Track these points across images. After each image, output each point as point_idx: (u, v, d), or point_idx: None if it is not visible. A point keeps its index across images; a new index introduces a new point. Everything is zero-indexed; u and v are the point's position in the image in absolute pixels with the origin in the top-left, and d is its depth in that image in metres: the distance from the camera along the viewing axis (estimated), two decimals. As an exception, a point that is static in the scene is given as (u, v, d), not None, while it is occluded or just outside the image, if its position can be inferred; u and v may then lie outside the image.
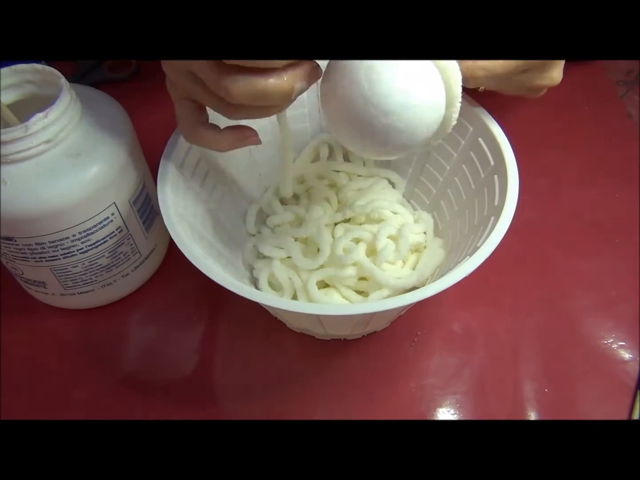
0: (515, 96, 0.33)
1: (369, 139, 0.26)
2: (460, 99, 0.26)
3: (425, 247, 0.37)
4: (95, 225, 0.33)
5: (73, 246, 0.33)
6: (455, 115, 0.27)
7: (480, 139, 0.34)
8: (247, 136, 0.30)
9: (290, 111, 0.39)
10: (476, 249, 0.28)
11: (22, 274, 0.36)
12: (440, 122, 0.27)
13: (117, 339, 0.38)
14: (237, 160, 0.39)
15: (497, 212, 0.30)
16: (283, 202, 0.41)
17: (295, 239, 0.37)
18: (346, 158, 0.41)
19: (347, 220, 0.38)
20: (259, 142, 0.30)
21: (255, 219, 0.40)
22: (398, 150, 0.26)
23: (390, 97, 0.24)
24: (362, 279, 0.35)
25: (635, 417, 0.33)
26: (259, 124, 0.39)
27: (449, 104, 0.26)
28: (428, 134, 0.26)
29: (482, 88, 0.32)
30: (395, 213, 0.37)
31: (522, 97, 0.34)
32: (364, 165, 0.41)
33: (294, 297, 0.35)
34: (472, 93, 0.35)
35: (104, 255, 0.35)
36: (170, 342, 0.38)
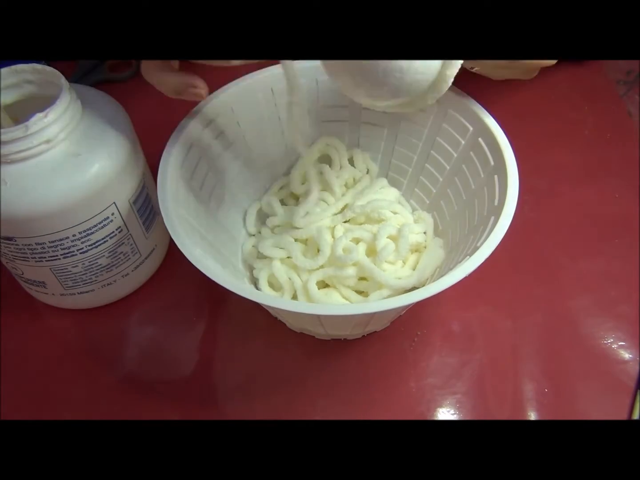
0: (510, 80, 0.34)
1: (368, 85, 0.27)
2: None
3: (425, 247, 0.37)
4: (95, 225, 0.33)
5: (73, 246, 0.33)
6: (452, 71, 0.27)
7: (480, 139, 0.34)
8: (193, 86, 0.30)
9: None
10: (476, 249, 0.28)
11: (22, 274, 0.36)
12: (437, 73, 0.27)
13: (117, 339, 0.38)
14: (237, 160, 0.39)
15: (497, 212, 0.30)
16: (283, 202, 0.41)
17: (295, 240, 0.37)
18: (351, 162, 0.41)
19: (347, 221, 0.38)
20: (202, 96, 0.31)
21: (255, 219, 0.40)
22: (394, 93, 0.27)
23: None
24: (362, 279, 0.35)
25: (635, 417, 0.33)
26: (260, 126, 0.39)
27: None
28: (422, 81, 0.27)
29: (476, 68, 0.32)
30: (395, 213, 0.37)
31: (517, 83, 0.35)
32: (367, 171, 0.41)
33: (294, 297, 0.35)
34: (470, 91, 0.35)
35: (104, 255, 0.35)
36: (170, 342, 0.38)
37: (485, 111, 0.34)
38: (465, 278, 0.27)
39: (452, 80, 0.28)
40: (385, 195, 0.39)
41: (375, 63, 0.26)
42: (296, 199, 0.41)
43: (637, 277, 0.39)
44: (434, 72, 0.28)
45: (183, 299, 0.40)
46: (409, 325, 0.38)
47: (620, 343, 0.37)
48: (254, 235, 0.40)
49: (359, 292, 0.35)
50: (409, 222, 0.38)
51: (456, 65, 0.28)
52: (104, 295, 0.38)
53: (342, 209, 0.39)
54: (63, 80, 0.32)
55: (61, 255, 0.34)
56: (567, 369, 0.36)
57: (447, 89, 0.29)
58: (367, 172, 0.41)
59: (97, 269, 0.36)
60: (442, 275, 0.28)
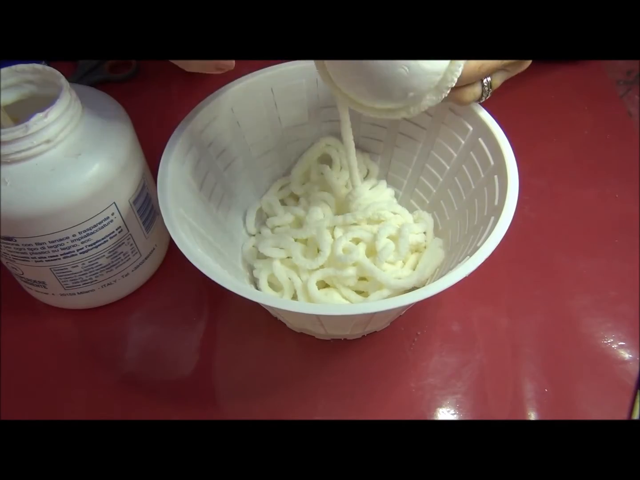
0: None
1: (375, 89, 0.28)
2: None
3: (425, 247, 0.37)
4: (95, 225, 0.33)
5: (73, 246, 0.33)
6: (454, 75, 0.27)
7: (480, 139, 0.34)
8: None
9: (290, 111, 0.39)
10: (476, 248, 0.28)
11: (22, 274, 0.36)
12: (439, 79, 0.28)
13: (117, 339, 0.38)
14: (237, 161, 0.39)
15: (497, 212, 0.30)
16: (283, 202, 0.41)
17: (295, 240, 0.37)
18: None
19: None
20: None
21: (255, 219, 0.40)
22: (399, 98, 0.28)
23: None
24: (362, 279, 0.35)
25: (635, 417, 0.33)
26: (261, 126, 0.39)
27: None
28: (427, 84, 0.27)
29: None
30: (395, 213, 0.37)
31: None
32: (367, 172, 0.41)
33: (294, 297, 0.35)
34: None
35: (104, 255, 0.35)
36: (170, 342, 0.38)
37: (485, 111, 0.34)
38: (466, 278, 0.27)
39: (452, 84, 0.28)
40: (385, 196, 0.39)
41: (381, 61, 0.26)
42: (296, 199, 0.41)
43: (637, 277, 0.39)
44: (440, 71, 0.27)
45: (183, 299, 0.40)
46: (409, 325, 0.38)
47: (620, 343, 0.37)
48: (254, 235, 0.40)
49: (359, 292, 0.35)
50: (408, 222, 0.38)
51: (459, 69, 0.27)
52: (104, 295, 0.38)
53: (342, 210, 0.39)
54: (63, 80, 0.32)
55: (61, 255, 0.34)
56: (567, 369, 0.36)
57: (445, 93, 0.28)
58: (367, 173, 0.41)
59: (97, 269, 0.36)
60: (442, 275, 0.28)
